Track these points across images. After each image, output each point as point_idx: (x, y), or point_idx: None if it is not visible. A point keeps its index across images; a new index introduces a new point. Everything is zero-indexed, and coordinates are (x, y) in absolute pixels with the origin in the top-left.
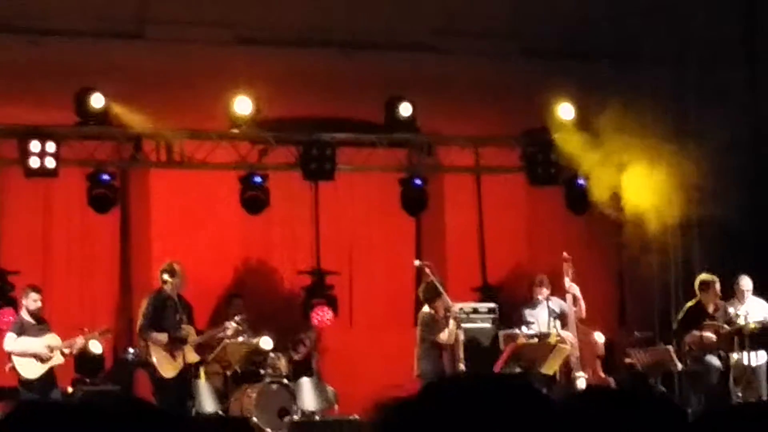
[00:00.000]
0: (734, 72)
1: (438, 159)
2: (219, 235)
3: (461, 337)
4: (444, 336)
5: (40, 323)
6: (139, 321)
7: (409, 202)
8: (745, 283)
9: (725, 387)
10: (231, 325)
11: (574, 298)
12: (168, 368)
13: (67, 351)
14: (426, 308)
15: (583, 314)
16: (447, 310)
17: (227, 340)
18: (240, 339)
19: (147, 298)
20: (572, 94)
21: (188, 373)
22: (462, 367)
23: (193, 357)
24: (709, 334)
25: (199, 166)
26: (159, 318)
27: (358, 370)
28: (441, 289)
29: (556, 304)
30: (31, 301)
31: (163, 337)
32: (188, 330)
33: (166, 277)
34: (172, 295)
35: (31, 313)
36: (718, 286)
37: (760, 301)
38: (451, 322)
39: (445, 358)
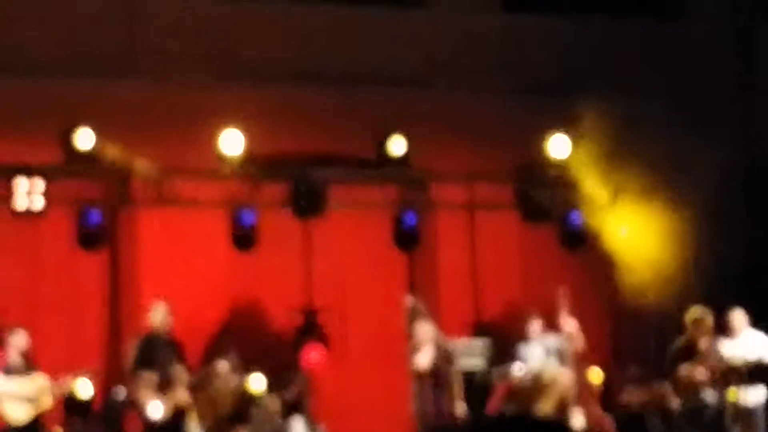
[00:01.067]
0: (728, 105)
1: (431, 195)
2: (209, 273)
3: (454, 372)
4: (417, 360)
5: (28, 364)
6: (128, 362)
7: (401, 239)
8: (737, 316)
9: (722, 424)
10: (222, 365)
11: (572, 334)
12: (157, 410)
13: (55, 392)
14: (413, 342)
15: (581, 350)
16: (433, 339)
17: (217, 380)
18: (230, 378)
19: (135, 339)
20: (566, 129)
21: (179, 414)
22: (462, 405)
23: (183, 397)
24: (701, 371)
25: (189, 204)
26: (147, 359)
27: (350, 408)
28: (421, 315)
29: (552, 340)
30: (20, 339)
31: (151, 378)
32: (179, 370)
33: (152, 317)
34: (160, 335)
35: (20, 353)
36: (709, 321)
37: (759, 334)
38: (427, 347)
39: (442, 398)
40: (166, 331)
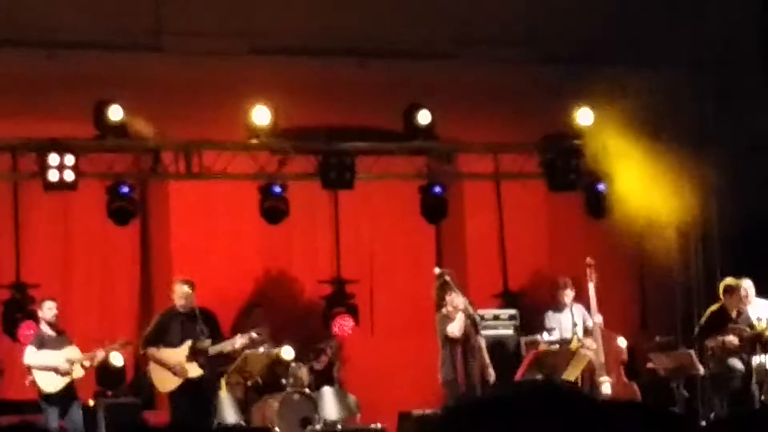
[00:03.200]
0: (752, 74)
1: (457, 166)
2: (239, 246)
3: (482, 342)
4: (451, 328)
5: (60, 335)
6: (143, 333)
7: (428, 210)
8: (747, 285)
9: (748, 391)
10: (239, 338)
11: (596, 305)
12: (166, 382)
13: (87, 364)
14: (442, 311)
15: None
16: (464, 309)
17: (247, 351)
18: (261, 349)
19: (158, 316)
20: (591, 99)
21: (196, 387)
22: (491, 372)
23: (195, 371)
24: (732, 338)
25: (218, 177)
26: (162, 333)
27: (380, 378)
28: (453, 285)
29: (579, 309)
30: (47, 310)
31: (161, 352)
32: (195, 344)
33: (174, 295)
34: (183, 310)
35: (50, 324)
36: (742, 291)
37: (764, 302)
38: (459, 315)
39: (472, 366)
40: (188, 306)
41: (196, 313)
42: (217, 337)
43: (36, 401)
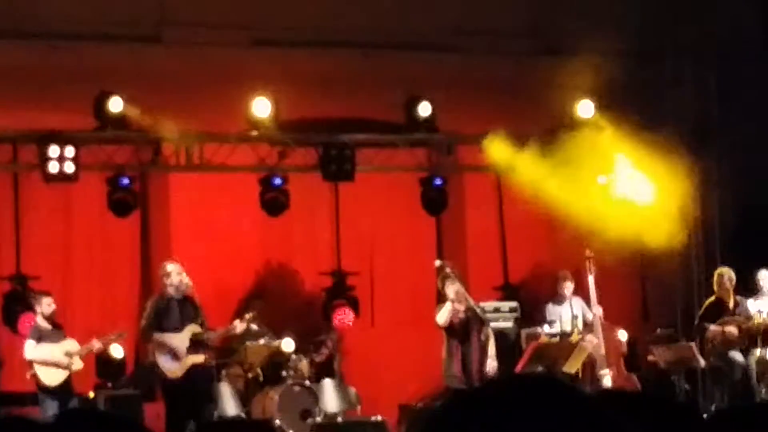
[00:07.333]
0: (755, 67)
1: (458, 158)
2: (239, 238)
3: (489, 333)
4: (438, 318)
5: (56, 328)
6: (141, 323)
7: (429, 202)
8: (764, 276)
9: (749, 383)
10: (238, 324)
11: (597, 296)
12: (173, 369)
13: (85, 356)
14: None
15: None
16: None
17: (248, 343)
18: (261, 341)
19: (150, 300)
20: (592, 91)
21: (196, 375)
22: (492, 364)
23: (196, 358)
24: (732, 329)
25: (219, 169)
26: (162, 318)
27: (380, 371)
28: (453, 277)
29: (579, 302)
30: (45, 305)
31: (166, 337)
32: (193, 328)
33: (164, 279)
34: (176, 295)
35: (47, 318)
36: (731, 278)
37: None
38: (447, 304)
39: (470, 358)
40: (180, 292)
41: (188, 296)
42: (204, 322)
43: (35, 393)
